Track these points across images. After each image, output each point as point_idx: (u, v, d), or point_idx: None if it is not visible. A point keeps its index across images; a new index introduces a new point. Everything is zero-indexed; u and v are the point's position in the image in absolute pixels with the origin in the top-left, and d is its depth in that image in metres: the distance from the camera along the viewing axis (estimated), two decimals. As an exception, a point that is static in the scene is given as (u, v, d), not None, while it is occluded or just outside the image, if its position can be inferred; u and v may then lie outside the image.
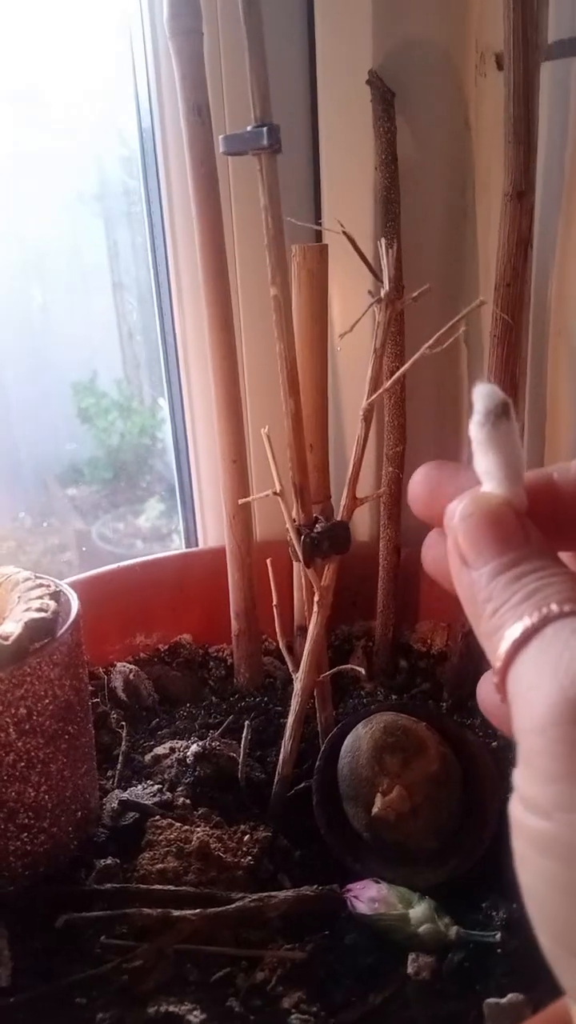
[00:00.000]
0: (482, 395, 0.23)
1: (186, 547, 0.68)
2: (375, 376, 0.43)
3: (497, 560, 0.24)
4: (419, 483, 0.27)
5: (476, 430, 0.24)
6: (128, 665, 0.55)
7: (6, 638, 0.36)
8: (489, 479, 0.24)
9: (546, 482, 0.26)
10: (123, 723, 0.51)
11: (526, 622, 0.22)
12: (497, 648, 0.22)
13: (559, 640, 0.21)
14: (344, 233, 0.43)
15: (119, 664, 0.55)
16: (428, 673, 0.59)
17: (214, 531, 0.64)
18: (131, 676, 0.54)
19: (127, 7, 0.58)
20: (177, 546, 0.73)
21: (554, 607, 0.22)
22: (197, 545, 0.66)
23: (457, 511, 0.25)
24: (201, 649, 0.60)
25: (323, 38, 0.53)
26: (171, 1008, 0.35)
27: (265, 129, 0.41)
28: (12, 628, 0.36)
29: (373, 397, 0.42)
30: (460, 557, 0.24)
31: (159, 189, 0.57)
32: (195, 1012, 0.35)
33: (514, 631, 0.22)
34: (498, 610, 0.23)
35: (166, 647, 0.60)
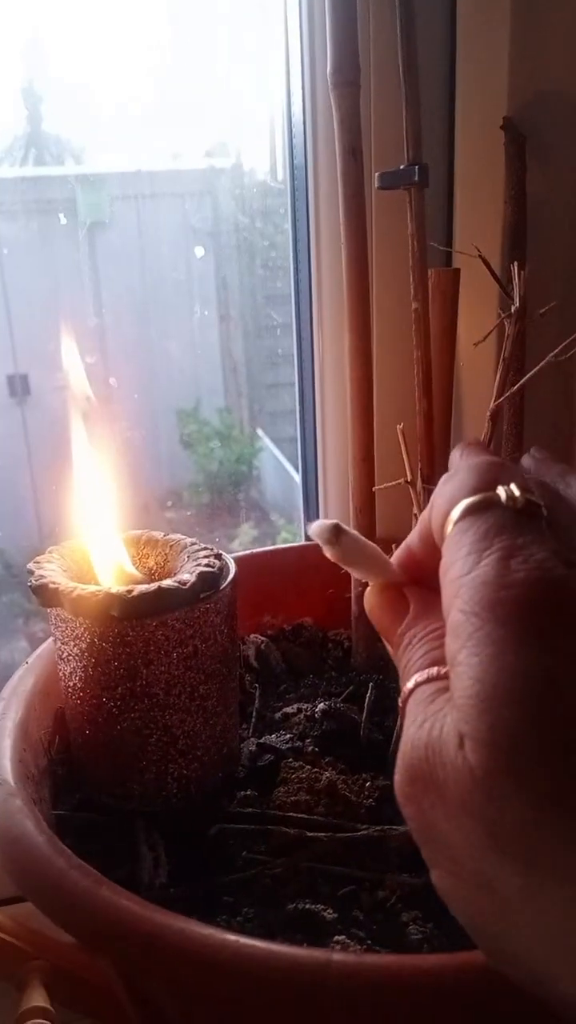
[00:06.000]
0: (314, 532, 0.29)
1: (306, 541, 0.75)
2: (501, 382, 0.49)
3: (389, 640, 0.30)
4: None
5: (329, 554, 0.30)
6: (259, 637, 0.62)
7: (184, 584, 0.43)
8: (364, 576, 0.31)
9: (408, 552, 0.31)
10: (256, 684, 0.58)
11: (406, 689, 0.27)
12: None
13: (410, 711, 0.26)
14: (480, 257, 0.49)
15: (251, 636, 0.62)
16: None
17: (337, 527, 0.71)
18: (262, 646, 0.60)
19: (280, 61, 0.66)
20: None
21: (410, 683, 0.27)
22: (319, 540, 0.73)
23: None
24: (321, 632, 0.66)
25: (462, 87, 0.60)
26: (308, 906, 0.40)
27: (417, 167, 0.47)
28: (188, 577, 0.43)
29: (501, 399, 0.48)
30: None
31: (307, 219, 0.64)
32: (328, 911, 0.40)
33: (406, 689, 0.28)
34: (401, 675, 0.29)
35: (290, 627, 0.66)
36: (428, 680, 0.26)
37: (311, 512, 0.74)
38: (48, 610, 0.45)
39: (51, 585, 0.42)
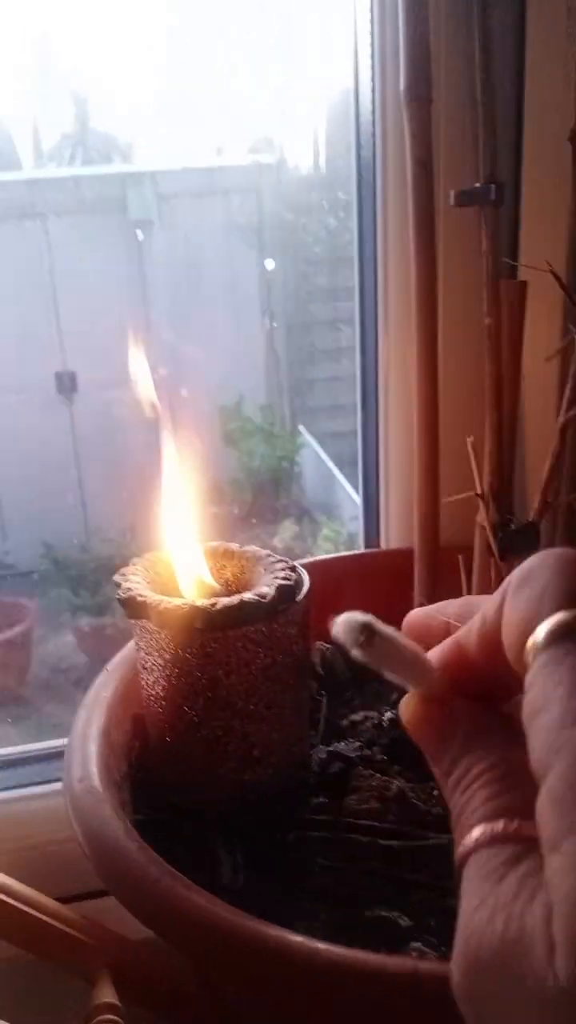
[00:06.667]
0: (341, 630, 0.24)
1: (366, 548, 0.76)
2: (572, 395, 0.49)
3: (437, 767, 0.25)
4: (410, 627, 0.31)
5: (359, 657, 0.24)
6: (324, 644, 0.63)
7: (264, 597, 0.44)
8: (401, 682, 0.26)
9: (457, 651, 0.26)
10: (322, 691, 0.59)
11: (464, 845, 0.23)
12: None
13: (470, 882, 0.22)
14: (551, 271, 0.50)
15: (317, 643, 0.63)
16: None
17: (397, 535, 0.71)
18: (327, 653, 0.61)
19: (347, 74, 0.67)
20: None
21: (470, 839, 0.22)
22: (378, 547, 0.74)
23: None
24: (382, 638, 0.67)
25: (530, 101, 0.61)
26: (383, 913, 0.42)
27: (493, 186, 0.48)
28: (267, 590, 0.44)
29: (572, 413, 0.48)
30: None
31: (374, 226, 0.65)
32: (403, 919, 0.41)
33: (464, 846, 0.23)
34: (455, 818, 0.24)
35: (352, 634, 0.67)
36: (494, 840, 0.22)
37: (370, 518, 0.75)
38: (132, 622, 0.46)
39: (139, 598, 0.44)
